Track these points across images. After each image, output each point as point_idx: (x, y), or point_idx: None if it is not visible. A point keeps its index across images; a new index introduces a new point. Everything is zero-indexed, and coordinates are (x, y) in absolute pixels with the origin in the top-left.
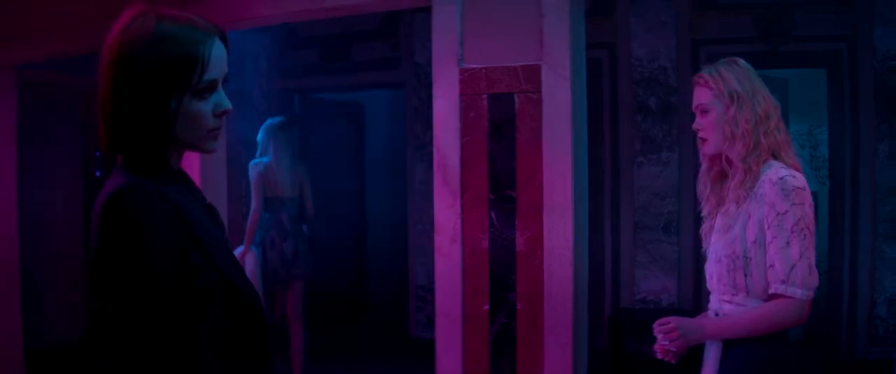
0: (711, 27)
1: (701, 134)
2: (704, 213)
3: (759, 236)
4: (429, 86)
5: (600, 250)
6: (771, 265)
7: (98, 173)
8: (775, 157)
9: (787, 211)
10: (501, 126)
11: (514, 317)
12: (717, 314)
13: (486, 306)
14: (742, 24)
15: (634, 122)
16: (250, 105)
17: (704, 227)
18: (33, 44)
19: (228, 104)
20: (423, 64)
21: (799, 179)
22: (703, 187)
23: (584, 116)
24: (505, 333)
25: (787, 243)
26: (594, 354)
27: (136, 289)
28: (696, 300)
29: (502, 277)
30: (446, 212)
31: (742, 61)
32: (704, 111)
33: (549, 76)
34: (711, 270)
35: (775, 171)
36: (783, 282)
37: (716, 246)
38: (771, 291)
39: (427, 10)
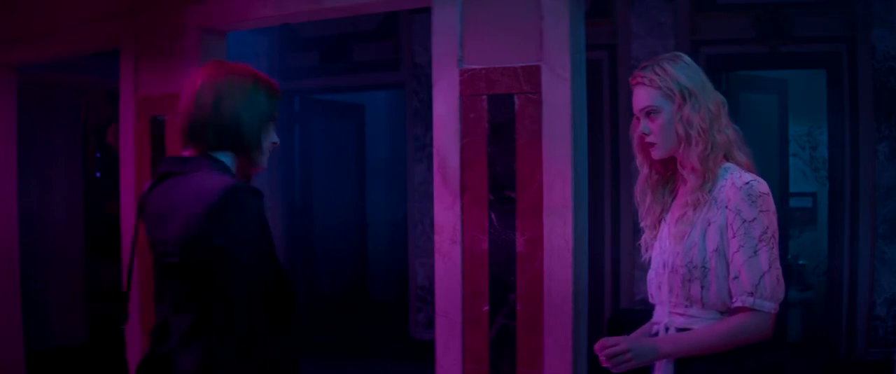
0: (711, 28)
1: (648, 139)
2: (645, 223)
3: (720, 244)
4: (429, 87)
5: (600, 251)
6: (735, 276)
7: (98, 175)
8: (727, 156)
9: (754, 218)
10: (501, 127)
11: (514, 318)
12: (667, 329)
13: (486, 307)
14: (741, 25)
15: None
16: None
17: (645, 237)
18: (33, 45)
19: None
20: (423, 65)
21: (763, 185)
22: (643, 195)
23: (583, 117)
24: (505, 334)
25: (755, 252)
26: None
27: (262, 245)
28: None
29: (502, 278)
30: (446, 213)
31: (685, 56)
32: (652, 113)
33: (549, 77)
34: (658, 280)
35: (738, 175)
36: (751, 294)
37: (665, 255)
38: (736, 304)
39: (427, 11)
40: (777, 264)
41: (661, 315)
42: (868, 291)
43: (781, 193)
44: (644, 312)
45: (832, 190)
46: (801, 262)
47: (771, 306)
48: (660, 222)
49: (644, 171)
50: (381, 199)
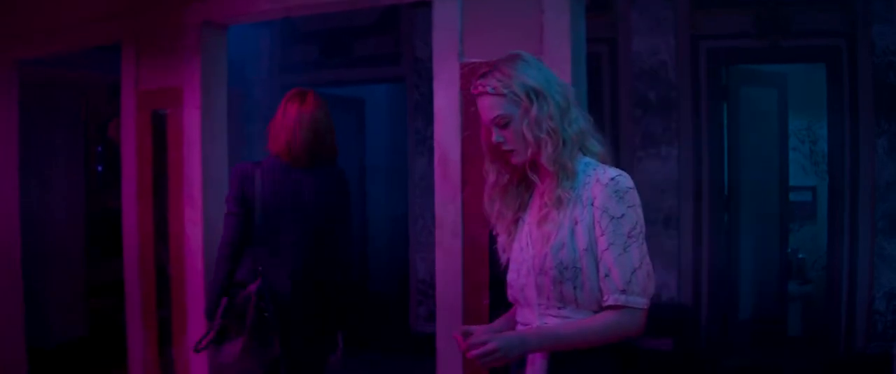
0: (711, 22)
1: (505, 147)
2: (499, 229)
3: (589, 243)
4: (429, 80)
5: None
6: (606, 274)
7: (100, 168)
8: (582, 148)
9: (623, 215)
10: None
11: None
12: None
13: (487, 301)
14: (741, 19)
15: (634, 117)
16: (251, 100)
17: (501, 241)
18: (33, 44)
19: None
20: (423, 59)
21: (628, 179)
22: (491, 202)
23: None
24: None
25: (625, 249)
26: None
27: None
28: (695, 294)
29: (503, 271)
30: (447, 206)
31: (524, 54)
32: (502, 123)
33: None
34: (522, 283)
35: (603, 171)
36: (623, 291)
37: (529, 257)
38: (608, 302)
39: (428, 5)
40: (647, 259)
41: (529, 317)
42: (867, 286)
43: (781, 187)
44: None
45: (832, 185)
46: (800, 256)
47: (643, 302)
48: (516, 223)
49: (491, 177)
50: (382, 193)
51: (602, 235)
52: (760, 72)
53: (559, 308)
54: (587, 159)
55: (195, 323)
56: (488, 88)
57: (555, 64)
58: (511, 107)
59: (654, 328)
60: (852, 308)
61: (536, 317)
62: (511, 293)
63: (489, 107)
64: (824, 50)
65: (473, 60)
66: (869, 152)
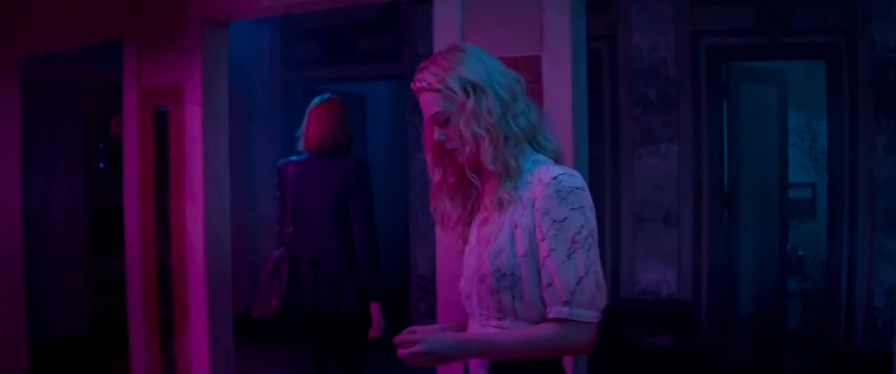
0: (711, 19)
1: (448, 145)
2: (448, 232)
3: (530, 248)
4: None
5: (601, 241)
6: (549, 284)
7: (102, 165)
8: (532, 143)
9: (565, 218)
10: None
11: None
12: None
13: None
14: (741, 16)
15: (634, 114)
16: (253, 98)
17: (458, 245)
18: (36, 40)
19: None
20: (424, 55)
21: (576, 178)
22: (439, 202)
23: (584, 108)
24: None
25: (569, 255)
26: (595, 345)
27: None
28: (695, 291)
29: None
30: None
31: (465, 44)
32: (441, 120)
33: (550, 68)
34: (469, 290)
35: (546, 169)
36: (566, 303)
37: (473, 261)
38: (550, 314)
39: (428, 2)
40: (596, 266)
41: (473, 327)
42: (867, 282)
43: (781, 183)
44: (644, 302)
45: (831, 182)
46: (800, 252)
47: (591, 316)
48: (469, 225)
49: (436, 177)
50: (383, 189)
51: (543, 240)
52: (760, 69)
53: (499, 319)
54: (538, 157)
55: (196, 319)
56: (425, 83)
57: (555, 62)
58: (447, 104)
59: (653, 324)
60: (852, 305)
61: (478, 327)
62: (464, 301)
63: (427, 103)
64: (824, 47)
65: None
66: (868, 149)
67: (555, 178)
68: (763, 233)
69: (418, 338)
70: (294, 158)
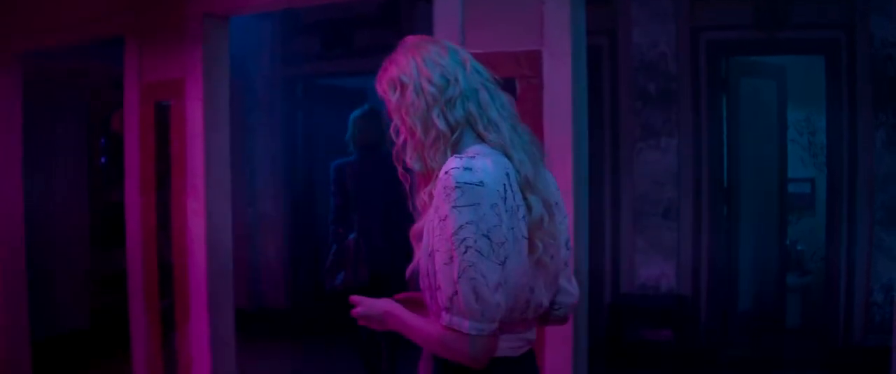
0: (711, 14)
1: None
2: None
3: (430, 247)
4: None
5: (600, 236)
6: (437, 287)
7: (104, 160)
8: (480, 137)
9: (446, 216)
10: None
11: None
12: None
13: None
14: (741, 11)
15: (634, 109)
16: (253, 93)
17: None
18: (38, 35)
19: None
20: None
21: (475, 172)
22: (418, 195)
23: (584, 102)
24: None
25: (451, 258)
26: (595, 340)
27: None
28: (694, 286)
29: None
30: None
31: (409, 37)
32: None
33: (550, 62)
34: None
35: (450, 161)
36: (447, 310)
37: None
38: (439, 320)
39: None
40: (475, 272)
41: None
42: (865, 277)
43: (780, 178)
44: (644, 298)
45: (830, 177)
46: (799, 247)
47: (472, 327)
48: None
49: (417, 171)
50: None
51: (434, 239)
52: (760, 64)
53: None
54: (477, 147)
55: (198, 312)
56: (379, 87)
57: (555, 56)
58: (386, 103)
59: (653, 319)
60: (850, 300)
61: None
62: None
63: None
64: (823, 42)
65: (474, 51)
66: (867, 144)
67: (447, 172)
68: (762, 228)
69: (359, 300)
70: (349, 159)
